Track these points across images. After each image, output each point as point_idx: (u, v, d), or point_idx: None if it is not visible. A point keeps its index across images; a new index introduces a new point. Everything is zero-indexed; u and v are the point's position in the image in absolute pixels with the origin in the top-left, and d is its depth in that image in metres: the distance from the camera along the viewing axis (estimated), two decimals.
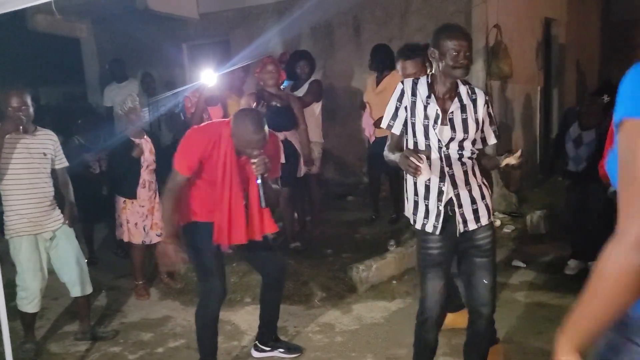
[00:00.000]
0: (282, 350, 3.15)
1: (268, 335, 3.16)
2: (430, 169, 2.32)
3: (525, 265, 4.28)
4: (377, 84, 4.77)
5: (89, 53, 7.75)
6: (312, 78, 4.95)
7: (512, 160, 2.28)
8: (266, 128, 2.64)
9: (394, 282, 4.03)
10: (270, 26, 6.35)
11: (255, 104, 4.21)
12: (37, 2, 2.36)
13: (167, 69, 6.45)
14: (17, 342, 3.22)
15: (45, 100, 9.09)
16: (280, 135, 4.32)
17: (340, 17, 6.19)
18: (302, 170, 4.61)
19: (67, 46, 7.90)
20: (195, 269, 2.96)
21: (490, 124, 2.40)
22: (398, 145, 2.41)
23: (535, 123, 6.59)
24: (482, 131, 2.38)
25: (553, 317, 3.36)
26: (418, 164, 2.14)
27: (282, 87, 5.13)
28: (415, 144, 2.36)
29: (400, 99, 2.37)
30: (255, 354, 3.17)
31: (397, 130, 2.40)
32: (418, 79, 2.39)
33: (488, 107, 2.38)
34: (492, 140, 2.42)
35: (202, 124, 2.97)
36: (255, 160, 2.62)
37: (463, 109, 2.32)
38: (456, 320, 3.13)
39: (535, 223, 5.04)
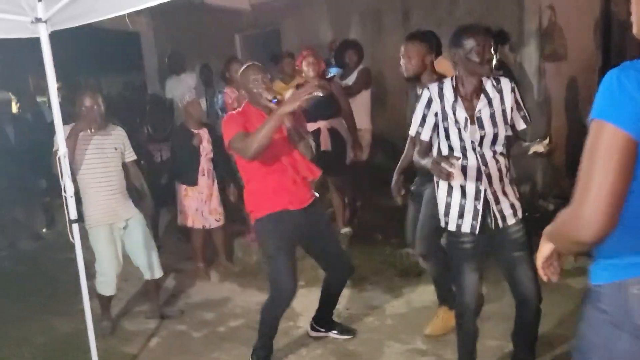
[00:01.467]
0: (336, 331, 3.33)
1: (324, 318, 3.34)
2: (465, 172, 2.37)
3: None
4: None
5: (148, 45, 8.09)
6: (361, 65, 5.04)
7: (540, 148, 2.30)
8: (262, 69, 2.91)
9: None
10: (319, 14, 6.44)
11: None
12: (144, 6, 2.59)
13: (222, 60, 6.67)
14: (95, 320, 3.54)
15: (106, 90, 9.59)
16: (326, 124, 4.46)
17: (389, 2, 6.20)
18: (350, 156, 4.73)
19: (127, 39, 8.27)
20: (269, 268, 3.00)
21: (518, 109, 2.42)
22: (427, 150, 2.49)
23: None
24: (511, 118, 2.41)
25: (571, 296, 3.36)
26: (450, 169, 2.19)
27: (330, 75, 5.24)
28: (449, 146, 2.42)
29: (428, 105, 2.44)
30: (311, 333, 3.37)
31: (425, 136, 2.47)
32: (443, 82, 2.44)
33: (515, 93, 2.40)
34: (521, 125, 2.44)
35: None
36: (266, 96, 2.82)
37: (490, 104, 2.36)
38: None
39: None
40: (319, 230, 3.06)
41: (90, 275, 3.50)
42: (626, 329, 1.23)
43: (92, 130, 3.35)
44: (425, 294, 3.77)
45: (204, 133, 4.31)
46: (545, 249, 1.48)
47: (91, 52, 9.23)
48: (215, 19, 6.96)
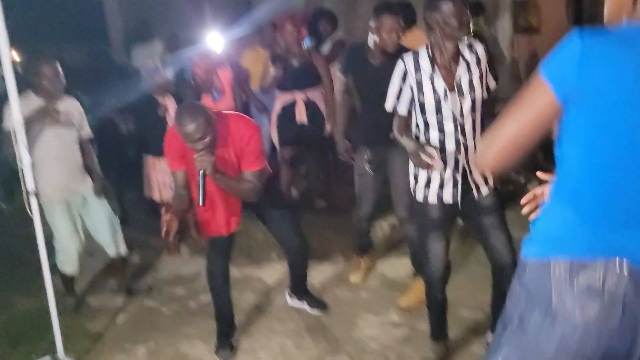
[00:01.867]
0: (308, 303, 3.30)
1: (296, 289, 3.33)
2: (443, 144, 2.34)
3: None
4: None
5: (112, 12, 7.76)
6: (335, 36, 4.92)
7: None
8: (204, 122, 2.48)
9: None
10: None
11: (272, 65, 4.21)
12: None
13: (190, 28, 6.43)
14: (59, 296, 3.41)
15: (69, 59, 9.18)
16: (302, 95, 4.35)
17: None
18: (328, 128, 4.64)
19: (90, 5, 7.90)
20: None
21: (490, 70, 2.39)
22: (406, 124, 2.44)
23: None
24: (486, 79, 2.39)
25: None
26: (430, 162, 2.19)
27: (305, 45, 5.10)
28: (426, 122, 2.37)
29: (403, 78, 2.37)
30: (288, 301, 3.37)
31: (403, 111, 2.42)
32: (418, 53, 2.37)
33: (486, 53, 2.37)
34: (492, 84, 2.42)
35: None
36: (197, 156, 2.52)
37: (468, 68, 2.32)
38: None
39: None
40: (266, 213, 3.04)
41: (52, 250, 3.37)
42: (540, 305, 1.24)
43: (56, 119, 3.14)
44: (399, 266, 3.75)
45: (170, 102, 4.14)
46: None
47: (51, 18, 8.80)
48: None
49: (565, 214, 1.25)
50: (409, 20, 4.64)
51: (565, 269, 1.21)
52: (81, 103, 3.50)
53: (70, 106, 3.33)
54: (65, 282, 3.51)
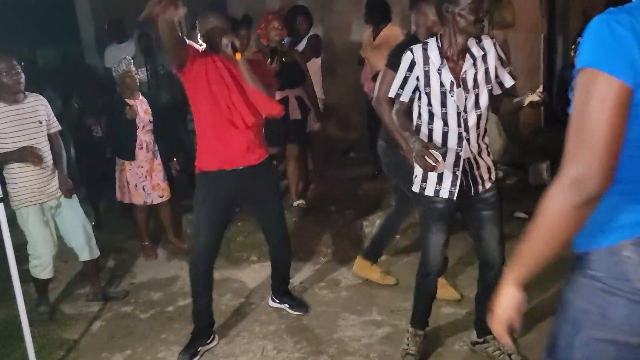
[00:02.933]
0: (288, 305, 3.25)
1: (277, 290, 3.28)
2: (446, 139, 2.33)
3: (527, 217, 4.31)
4: (374, 37, 4.67)
5: (84, 12, 7.60)
6: (311, 33, 4.88)
7: (535, 97, 2.28)
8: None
9: (397, 237, 4.07)
10: None
11: (270, 60, 4.14)
12: None
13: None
14: (31, 305, 3.31)
15: (42, 61, 8.96)
16: (294, 92, 4.31)
17: None
18: (312, 125, 4.61)
19: (62, 5, 7.73)
20: (192, 225, 3.03)
21: (503, 65, 2.36)
22: (406, 111, 2.42)
23: (539, 72, 6.49)
24: (497, 76, 2.36)
25: (554, 268, 3.41)
26: (434, 164, 2.16)
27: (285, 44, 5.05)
28: (430, 112, 2.35)
29: (410, 69, 2.34)
30: (270, 303, 3.32)
31: (405, 98, 2.40)
32: (427, 43, 2.34)
33: (497, 50, 2.34)
34: (508, 82, 2.39)
35: None
36: (224, 41, 2.66)
37: (475, 64, 2.29)
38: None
39: (537, 174, 5.04)
40: (259, 195, 3.00)
41: (24, 257, 3.27)
42: (623, 294, 1.17)
43: (18, 98, 3.04)
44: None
45: (140, 104, 4.04)
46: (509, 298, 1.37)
47: (23, 20, 8.58)
48: None
49: (620, 200, 1.18)
50: (385, 16, 4.64)
51: (632, 247, 1.16)
52: (52, 103, 3.42)
53: (35, 103, 3.23)
54: (39, 289, 3.41)
